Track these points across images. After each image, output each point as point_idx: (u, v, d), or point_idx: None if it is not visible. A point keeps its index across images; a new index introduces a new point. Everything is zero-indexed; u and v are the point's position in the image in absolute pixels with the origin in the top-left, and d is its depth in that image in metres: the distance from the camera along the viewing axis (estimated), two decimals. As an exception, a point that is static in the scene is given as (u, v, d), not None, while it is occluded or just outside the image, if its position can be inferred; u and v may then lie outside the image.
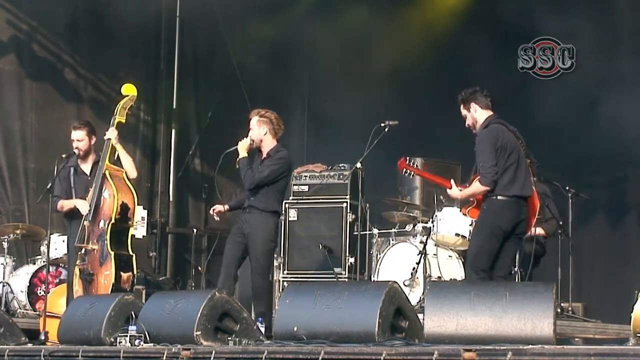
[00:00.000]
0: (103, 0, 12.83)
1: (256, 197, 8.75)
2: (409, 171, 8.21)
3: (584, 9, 11.99)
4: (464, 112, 7.97)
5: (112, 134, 9.19)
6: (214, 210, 9.10)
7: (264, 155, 8.82)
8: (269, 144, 8.82)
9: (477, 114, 7.90)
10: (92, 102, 13.04)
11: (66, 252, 10.33)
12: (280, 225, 9.35)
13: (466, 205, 8.05)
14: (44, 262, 10.71)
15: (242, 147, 8.81)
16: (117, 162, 9.21)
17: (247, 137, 8.85)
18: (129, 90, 9.51)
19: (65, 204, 9.31)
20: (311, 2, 13.81)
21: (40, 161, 12.28)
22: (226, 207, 9.09)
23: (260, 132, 8.79)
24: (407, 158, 8.09)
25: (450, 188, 7.99)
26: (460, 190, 7.96)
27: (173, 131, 13.94)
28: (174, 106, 13.95)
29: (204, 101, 14.04)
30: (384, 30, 13.26)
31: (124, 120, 9.37)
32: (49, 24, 12.73)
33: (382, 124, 10.34)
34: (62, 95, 12.91)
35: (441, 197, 10.40)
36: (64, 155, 9.41)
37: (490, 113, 7.90)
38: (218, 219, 9.17)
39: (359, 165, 11.01)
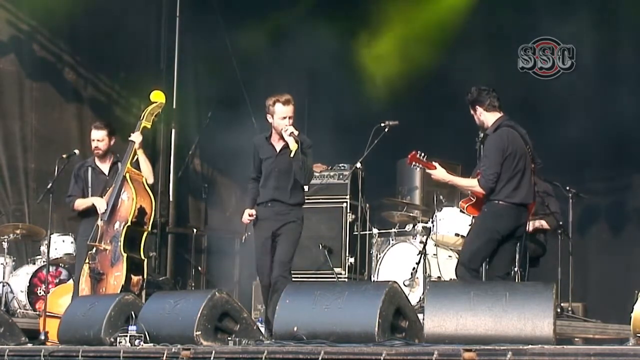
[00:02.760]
0: (103, 0, 12.83)
1: (283, 189, 8.25)
2: (418, 165, 8.08)
3: (584, 9, 11.99)
4: (471, 112, 7.95)
5: (136, 137, 9.21)
6: (250, 214, 8.35)
7: (283, 143, 8.26)
8: None
9: (482, 117, 7.86)
10: (92, 102, 13.04)
11: (67, 252, 10.36)
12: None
13: (464, 199, 8.00)
14: (44, 262, 10.71)
15: (293, 139, 8.15)
16: (136, 166, 9.21)
17: (289, 125, 8.19)
18: (157, 97, 9.53)
19: (81, 203, 9.29)
20: (312, 1, 13.81)
21: (40, 161, 12.27)
22: (253, 210, 8.39)
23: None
24: (418, 151, 7.97)
25: (435, 169, 7.92)
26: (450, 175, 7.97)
27: (173, 131, 13.94)
28: (174, 106, 13.95)
29: (204, 101, 14.04)
30: (384, 30, 13.26)
31: (149, 126, 9.42)
32: (49, 24, 12.73)
33: (382, 124, 10.36)
34: (62, 95, 12.90)
35: (441, 197, 10.41)
36: (64, 155, 9.42)
37: (498, 115, 7.84)
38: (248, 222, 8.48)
39: (359, 165, 11.03)
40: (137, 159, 9.21)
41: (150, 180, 9.24)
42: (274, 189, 8.27)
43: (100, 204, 9.11)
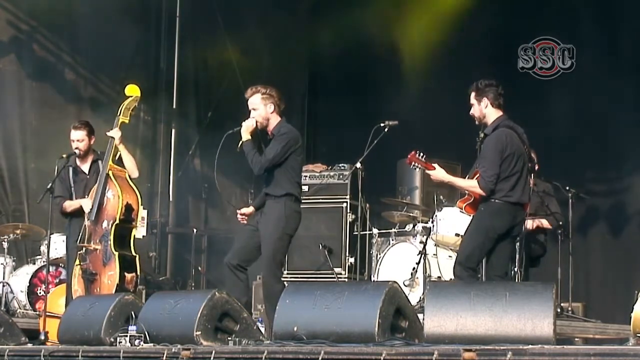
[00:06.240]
0: (103, 0, 12.83)
1: (268, 182, 8.09)
2: (417, 165, 8.01)
3: (584, 9, 11.99)
4: (473, 100, 7.86)
5: (115, 134, 9.14)
6: (240, 213, 8.32)
7: (270, 135, 8.14)
8: (273, 122, 8.15)
9: (486, 110, 7.82)
10: (92, 102, 13.04)
11: (65, 251, 10.34)
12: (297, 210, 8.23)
13: (462, 199, 7.99)
14: (44, 262, 10.71)
15: (246, 129, 8.07)
16: (119, 162, 9.18)
17: (249, 118, 8.16)
18: (132, 91, 9.45)
19: (69, 205, 9.30)
20: (311, 1, 13.82)
21: (40, 161, 12.26)
22: (251, 208, 8.36)
23: (267, 110, 8.12)
24: (418, 151, 7.93)
25: (434, 169, 7.88)
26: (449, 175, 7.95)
27: (173, 131, 13.93)
28: (174, 106, 13.95)
29: (204, 101, 14.04)
30: (384, 30, 13.26)
31: (127, 121, 9.33)
32: (49, 24, 12.73)
33: (382, 124, 10.35)
34: (62, 95, 12.91)
35: (441, 197, 10.41)
36: (64, 155, 9.40)
37: (500, 113, 7.82)
38: (245, 222, 8.35)
39: (359, 165, 11.03)
40: (120, 155, 9.17)
41: (135, 174, 9.18)
42: (263, 182, 8.23)
43: (86, 204, 9.10)
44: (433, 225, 10.27)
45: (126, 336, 7.00)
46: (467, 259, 7.69)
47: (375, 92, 13.13)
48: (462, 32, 12.52)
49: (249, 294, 8.29)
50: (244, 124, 8.13)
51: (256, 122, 8.14)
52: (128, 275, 8.84)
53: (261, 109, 8.15)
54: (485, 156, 7.73)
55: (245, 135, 8.09)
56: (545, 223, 9.92)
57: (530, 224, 9.42)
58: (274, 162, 8.04)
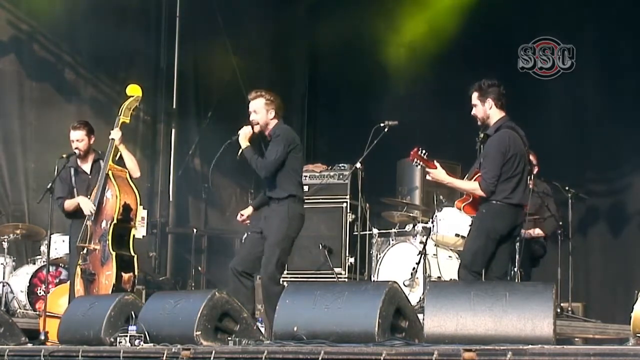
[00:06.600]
0: (103, 0, 12.83)
1: (270, 185, 8.16)
2: (419, 162, 7.89)
3: (584, 9, 12.00)
4: (476, 101, 7.81)
5: (116, 134, 9.14)
6: (241, 216, 8.48)
7: (268, 138, 8.25)
8: (272, 126, 8.23)
9: (490, 111, 7.77)
10: (92, 102, 13.03)
11: (67, 251, 10.35)
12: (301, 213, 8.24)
13: (461, 199, 7.97)
14: (44, 262, 10.71)
15: (244, 137, 8.15)
16: (120, 162, 9.18)
17: (248, 124, 8.22)
18: (133, 91, 9.45)
19: (70, 204, 9.30)
20: (311, 1, 13.82)
21: (40, 161, 12.26)
22: (250, 208, 8.51)
23: (267, 116, 8.20)
24: (420, 148, 7.90)
25: (435, 169, 7.84)
26: (449, 176, 7.92)
27: (173, 131, 13.93)
28: (174, 106, 13.95)
29: (204, 101, 14.04)
30: (384, 30, 13.27)
31: (128, 121, 9.33)
32: (49, 24, 12.73)
33: (382, 124, 10.35)
34: (62, 95, 12.90)
35: (441, 197, 10.41)
36: (64, 155, 9.40)
37: (503, 114, 7.80)
38: (246, 223, 8.48)
39: (359, 165, 11.03)
40: (121, 155, 9.17)
41: (137, 174, 9.19)
42: (266, 185, 8.28)
43: (85, 204, 9.09)
44: (433, 225, 10.27)
45: (126, 336, 7.00)
46: (472, 262, 7.65)
47: (375, 92, 13.13)
48: (462, 32, 12.53)
49: (254, 300, 8.27)
50: (240, 132, 8.19)
51: (252, 127, 8.19)
52: (125, 275, 8.83)
53: (262, 113, 8.22)
54: (488, 157, 7.70)
55: (244, 142, 8.17)
56: (540, 232, 9.95)
57: (526, 232, 9.41)
58: (278, 163, 8.09)
